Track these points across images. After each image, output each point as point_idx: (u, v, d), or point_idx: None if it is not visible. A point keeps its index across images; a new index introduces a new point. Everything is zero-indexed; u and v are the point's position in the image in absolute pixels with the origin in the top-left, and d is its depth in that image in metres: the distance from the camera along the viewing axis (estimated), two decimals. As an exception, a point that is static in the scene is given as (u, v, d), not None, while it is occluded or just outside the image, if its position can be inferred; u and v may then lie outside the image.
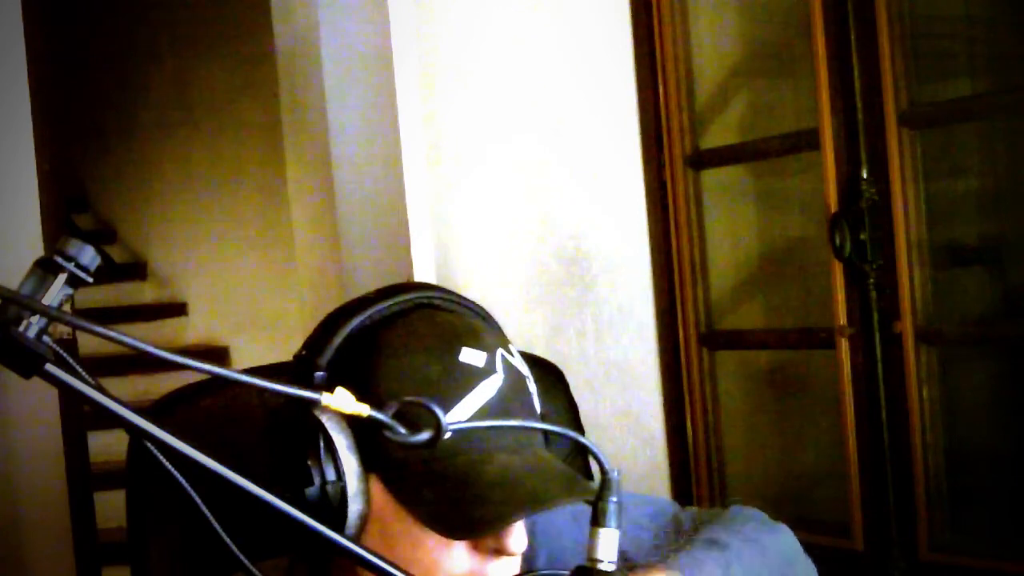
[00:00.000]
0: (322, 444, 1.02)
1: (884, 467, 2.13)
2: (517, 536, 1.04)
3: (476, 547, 1.04)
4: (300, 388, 0.90)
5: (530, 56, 2.73)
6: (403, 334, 1.06)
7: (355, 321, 1.07)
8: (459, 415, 1.02)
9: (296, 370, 1.08)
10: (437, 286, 1.14)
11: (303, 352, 1.09)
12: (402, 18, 2.88)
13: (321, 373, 1.06)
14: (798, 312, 2.49)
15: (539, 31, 2.70)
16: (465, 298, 1.14)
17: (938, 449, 2.10)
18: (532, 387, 1.09)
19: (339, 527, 1.01)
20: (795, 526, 2.33)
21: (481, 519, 1.00)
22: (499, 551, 1.04)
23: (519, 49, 2.75)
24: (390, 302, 1.09)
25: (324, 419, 1.02)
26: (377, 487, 1.03)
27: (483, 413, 1.03)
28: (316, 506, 1.00)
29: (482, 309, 1.14)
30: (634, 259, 2.55)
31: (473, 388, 1.03)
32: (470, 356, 1.05)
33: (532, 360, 1.16)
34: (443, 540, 1.02)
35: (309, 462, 1.01)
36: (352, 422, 1.02)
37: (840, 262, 2.15)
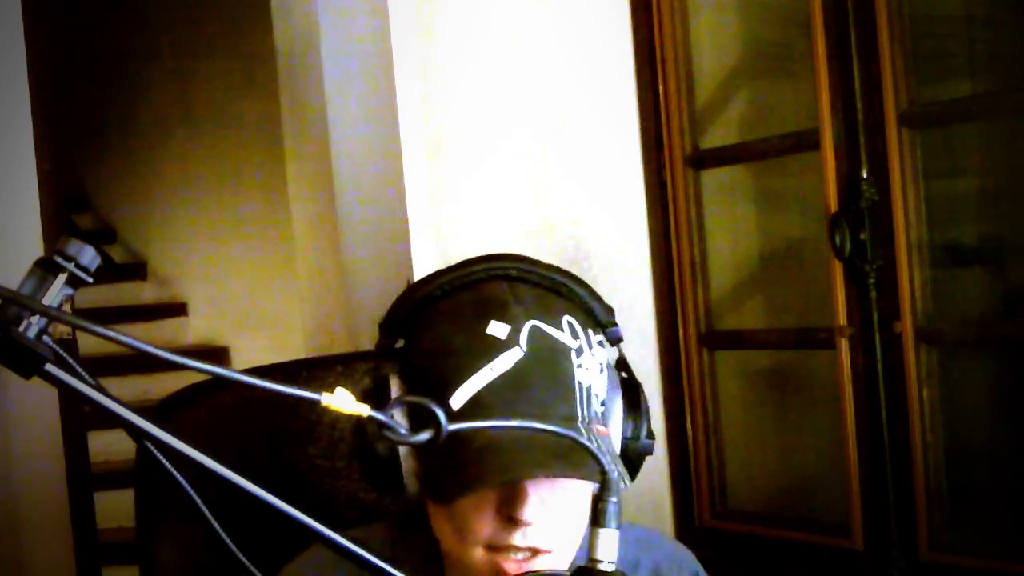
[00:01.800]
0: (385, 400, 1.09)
1: (884, 467, 2.13)
2: (530, 506, 1.07)
3: (498, 513, 1.09)
4: (300, 388, 0.90)
5: (530, 56, 2.72)
6: (448, 304, 1.13)
7: (424, 291, 1.15)
8: (472, 387, 1.07)
9: (379, 342, 1.16)
10: (526, 257, 1.18)
11: (380, 325, 1.17)
12: (402, 18, 2.88)
13: (401, 342, 1.15)
14: (798, 312, 2.49)
15: (539, 31, 2.70)
16: (556, 270, 1.18)
17: (938, 449, 2.10)
18: (578, 360, 1.11)
19: (400, 483, 1.11)
20: (795, 526, 2.33)
21: (456, 486, 1.06)
22: (512, 520, 1.08)
23: (519, 49, 2.75)
24: (464, 272, 1.15)
25: (390, 379, 1.12)
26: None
27: (497, 386, 1.07)
28: (380, 459, 1.10)
29: (571, 279, 1.18)
30: (634, 259, 2.55)
31: (489, 360, 1.07)
32: (494, 328, 1.09)
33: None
34: (471, 503, 1.08)
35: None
36: (408, 383, 1.11)
37: (840, 262, 2.15)
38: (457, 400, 1.07)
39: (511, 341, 1.08)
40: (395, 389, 1.11)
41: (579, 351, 1.11)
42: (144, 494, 1.42)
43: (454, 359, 1.08)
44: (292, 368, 1.57)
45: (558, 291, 1.16)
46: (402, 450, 1.09)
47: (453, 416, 1.03)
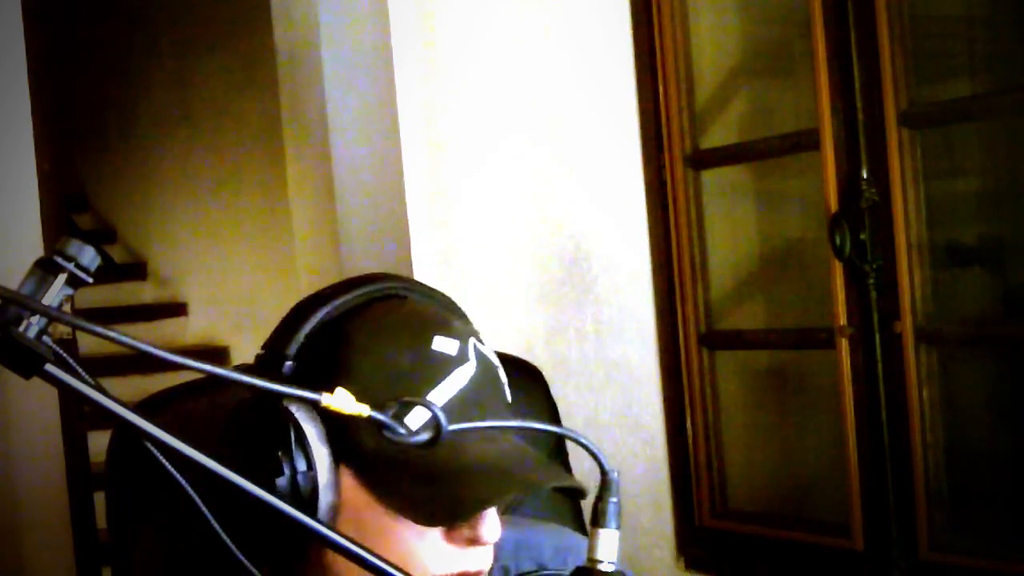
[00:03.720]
0: (293, 435, 1.00)
1: (884, 467, 2.13)
2: (491, 525, 1.02)
3: (450, 537, 1.02)
4: (300, 388, 0.89)
5: (530, 56, 2.73)
6: (371, 325, 1.05)
7: (320, 314, 1.06)
8: (424, 413, 0.97)
9: (260, 367, 1.05)
10: (402, 276, 1.12)
11: (264, 351, 1.07)
12: (402, 18, 2.88)
13: (290, 364, 1.04)
14: (798, 312, 2.49)
15: (539, 31, 2.70)
16: (432, 288, 1.12)
17: (938, 449, 2.10)
18: (504, 377, 1.08)
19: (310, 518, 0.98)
20: (795, 526, 2.33)
21: (461, 504, 0.99)
22: (473, 540, 1.02)
23: (519, 49, 2.75)
24: (355, 293, 1.07)
25: (294, 409, 1.00)
26: (348, 478, 1.01)
27: (456, 402, 1.01)
28: (286, 497, 0.99)
29: (448, 299, 1.12)
30: (634, 259, 2.55)
31: (446, 377, 1.02)
32: (442, 344, 1.03)
33: (508, 360, 1.14)
34: (417, 530, 1.01)
35: (280, 452, 0.99)
36: (321, 413, 1.00)
37: (840, 262, 2.15)
38: (415, 421, 0.97)
39: (462, 356, 1.03)
40: (308, 422, 1.00)
41: (499, 368, 1.08)
42: (117, 494, 1.40)
43: (404, 380, 1.00)
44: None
45: (454, 309, 1.11)
46: (322, 485, 1.00)
47: (441, 440, 0.94)
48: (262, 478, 0.99)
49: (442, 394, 1.01)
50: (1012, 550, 2.03)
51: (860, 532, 2.15)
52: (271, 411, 1.02)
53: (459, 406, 1.01)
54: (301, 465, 0.99)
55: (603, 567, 0.94)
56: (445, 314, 1.08)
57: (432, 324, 1.05)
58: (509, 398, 1.08)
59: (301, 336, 1.05)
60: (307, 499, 1.00)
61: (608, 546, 0.95)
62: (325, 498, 1.01)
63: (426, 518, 1.00)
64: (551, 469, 1.04)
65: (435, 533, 1.02)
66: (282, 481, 0.99)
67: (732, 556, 2.45)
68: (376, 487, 1.01)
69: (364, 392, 0.92)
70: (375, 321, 1.05)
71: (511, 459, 1.02)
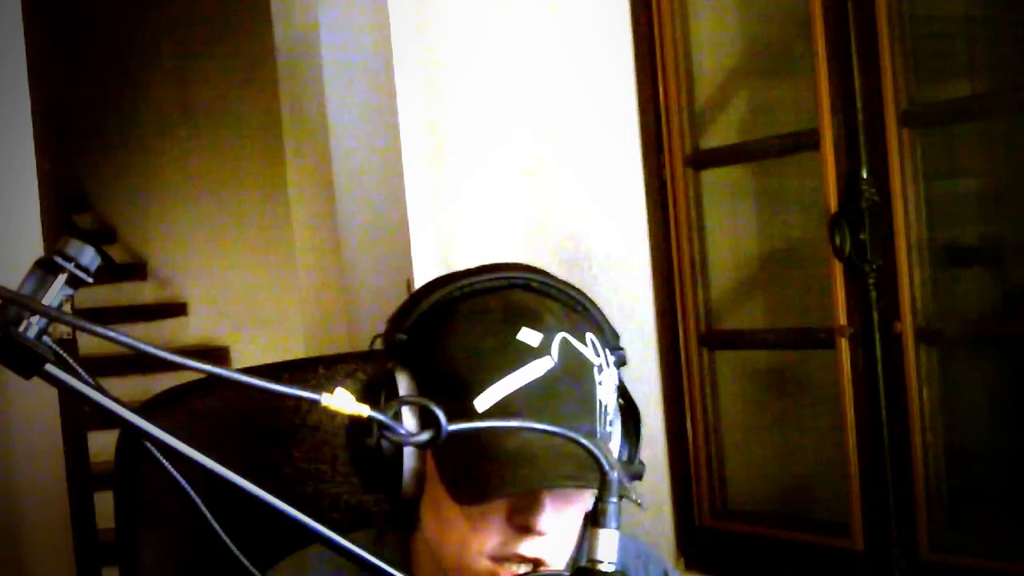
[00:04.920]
0: (383, 398, 1.07)
1: (884, 467, 2.13)
2: (545, 516, 1.06)
3: (508, 522, 1.07)
4: (300, 389, 0.90)
5: (530, 56, 2.72)
6: (475, 308, 1.11)
7: (445, 290, 1.13)
8: (500, 390, 1.05)
9: (379, 339, 1.14)
10: (543, 271, 1.19)
11: (386, 325, 1.15)
12: (402, 18, 2.88)
13: (403, 336, 1.12)
14: (798, 312, 2.49)
15: (539, 31, 2.70)
16: (570, 287, 1.18)
17: (938, 449, 2.10)
18: (600, 376, 1.11)
19: (398, 482, 1.08)
20: (795, 526, 2.33)
21: (485, 488, 1.03)
22: (527, 528, 1.06)
23: (519, 49, 2.75)
24: (484, 277, 1.14)
25: (399, 379, 1.09)
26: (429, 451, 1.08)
27: (525, 392, 1.05)
28: (376, 457, 1.07)
29: (586, 299, 1.18)
30: (634, 259, 2.55)
31: (520, 366, 1.07)
32: (527, 336, 1.08)
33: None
34: (482, 510, 1.06)
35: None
36: (421, 381, 1.09)
37: (840, 262, 2.15)
38: (483, 402, 1.05)
39: (543, 349, 1.08)
40: (403, 387, 1.10)
41: (600, 369, 1.11)
42: (124, 494, 1.41)
43: (482, 361, 1.07)
44: (276, 369, 1.54)
45: (575, 308, 1.17)
46: (406, 450, 1.08)
47: (473, 417, 1.02)
48: (358, 439, 1.08)
49: (513, 382, 1.06)
50: (1012, 550, 2.03)
51: (860, 532, 2.15)
52: (379, 380, 1.10)
53: (529, 395, 1.05)
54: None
55: (603, 567, 0.94)
56: (546, 309, 1.12)
57: (524, 316, 1.10)
58: (604, 398, 1.11)
59: (424, 306, 1.13)
60: (390, 460, 1.08)
61: (608, 547, 0.95)
62: (408, 463, 1.08)
63: (455, 495, 1.06)
64: (591, 471, 1.05)
65: (497, 514, 1.07)
66: (372, 441, 1.07)
67: (732, 556, 2.45)
68: (436, 460, 1.08)
69: (448, 368, 1.04)
70: (479, 305, 1.12)
71: (553, 453, 1.04)
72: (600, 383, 1.11)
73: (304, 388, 0.89)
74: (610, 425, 1.14)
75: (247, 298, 5.67)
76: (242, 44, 5.40)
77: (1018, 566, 1.98)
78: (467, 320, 1.10)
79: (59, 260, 0.84)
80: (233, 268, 5.78)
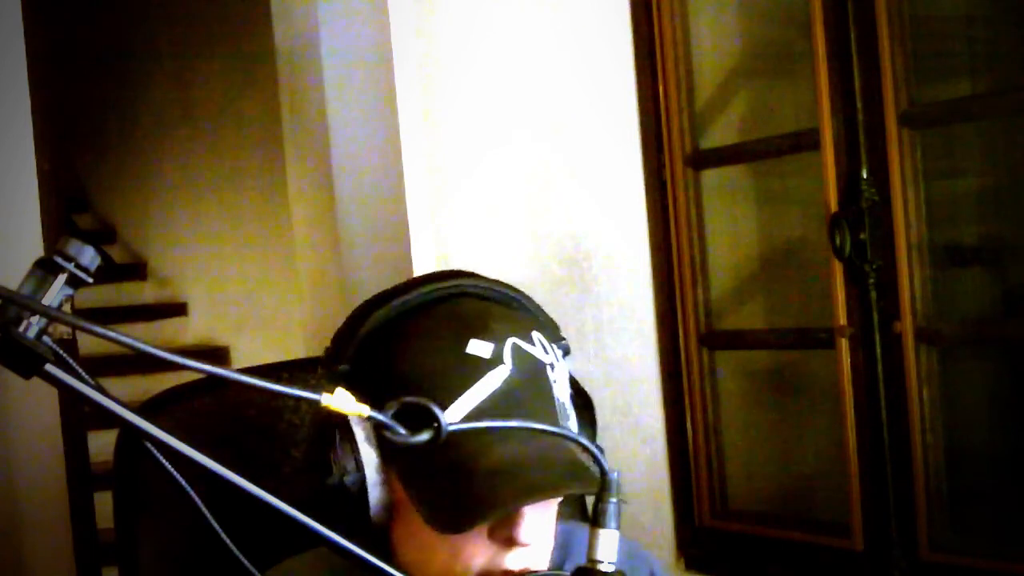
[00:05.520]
0: (338, 437, 1.05)
1: (884, 467, 2.13)
2: (527, 527, 1.05)
3: (491, 537, 1.06)
4: (299, 388, 0.90)
5: (530, 56, 2.72)
6: (419, 327, 1.09)
7: (382, 311, 1.11)
8: (463, 407, 1.03)
9: (323, 363, 1.12)
10: (474, 273, 1.16)
11: (329, 346, 1.12)
12: (402, 18, 2.88)
13: (345, 366, 1.09)
14: (798, 312, 2.49)
15: (539, 31, 2.70)
16: (504, 284, 1.15)
17: (938, 449, 2.10)
18: (554, 375, 1.09)
19: (365, 516, 1.06)
20: (795, 526, 2.32)
21: (472, 512, 1.01)
22: (511, 542, 1.05)
23: (519, 49, 2.75)
24: (419, 292, 1.12)
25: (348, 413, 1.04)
26: (396, 480, 1.06)
27: (488, 404, 1.03)
28: (337, 496, 1.05)
29: (520, 295, 1.16)
30: (634, 259, 2.55)
31: (477, 380, 1.04)
32: (477, 348, 1.06)
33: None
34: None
35: (330, 455, 1.04)
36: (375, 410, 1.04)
37: (840, 262, 2.15)
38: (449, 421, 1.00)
39: (496, 359, 1.05)
40: (358, 424, 1.05)
41: (552, 367, 1.10)
42: (123, 494, 1.41)
43: (438, 381, 1.04)
44: (276, 369, 1.51)
45: (513, 307, 1.14)
46: (371, 481, 1.06)
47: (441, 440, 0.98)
48: (318, 479, 1.06)
49: (474, 396, 1.04)
50: (1012, 550, 2.03)
51: (860, 532, 2.15)
52: (326, 414, 1.05)
53: (493, 407, 1.03)
54: (349, 466, 1.04)
55: (603, 567, 0.94)
56: (490, 315, 1.10)
57: (471, 327, 1.07)
58: (560, 396, 1.10)
59: (363, 332, 1.10)
60: (356, 497, 1.05)
61: (608, 546, 0.95)
62: (374, 495, 1.05)
63: (438, 526, 1.03)
64: (572, 476, 1.04)
65: (478, 533, 1.05)
66: (332, 480, 1.05)
67: (732, 556, 2.45)
68: (410, 490, 1.06)
69: (403, 393, 0.95)
70: (423, 322, 1.09)
71: (535, 464, 1.03)
72: (555, 381, 1.09)
73: (304, 388, 0.89)
74: (568, 420, 1.12)
75: (247, 298, 5.66)
76: (242, 44, 5.40)
77: (1018, 566, 1.98)
78: (413, 340, 1.08)
79: (59, 260, 0.84)
80: (233, 268, 5.77)
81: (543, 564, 1.10)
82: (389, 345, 1.08)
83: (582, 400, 1.17)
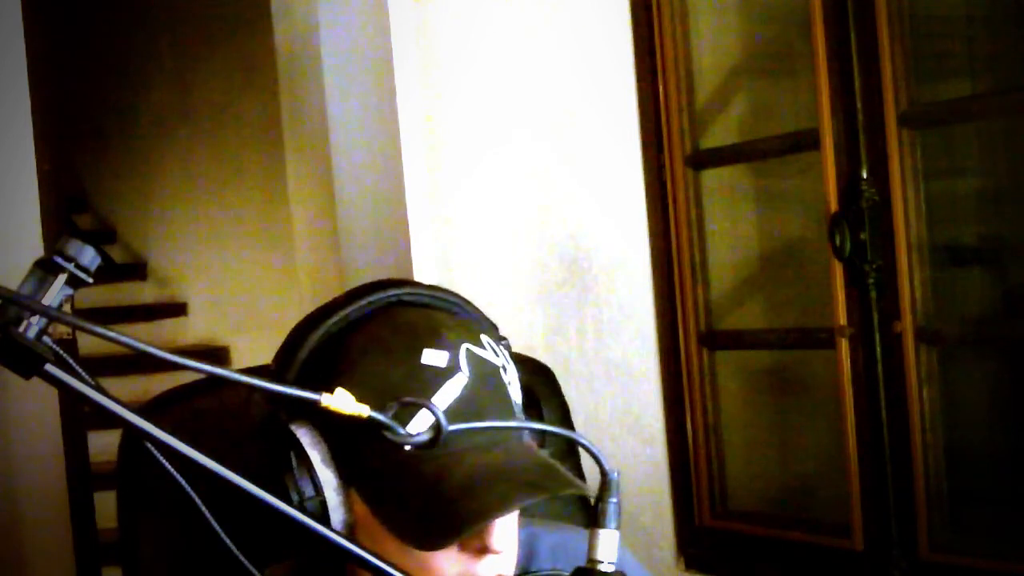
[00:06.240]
0: (295, 460, 1.02)
1: (884, 467, 2.13)
2: (499, 534, 1.03)
3: (462, 547, 1.04)
4: (298, 389, 0.90)
5: (530, 56, 2.72)
6: (364, 341, 1.06)
7: (320, 331, 1.07)
8: (426, 419, 0.98)
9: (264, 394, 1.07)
10: (409, 281, 1.13)
11: (272, 366, 1.09)
12: (402, 18, 2.88)
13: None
14: (798, 312, 2.49)
15: (539, 31, 2.70)
16: (440, 289, 1.13)
17: (938, 449, 2.10)
18: (507, 377, 1.08)
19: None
20: (795, 526, 2.32)
21: (441, 530, 0.99)
22: (483, 549, 1.03)
23: (519, 49, 2.75)
24: (355, 306, 1.08)
25: (299, 434, 1.03)
26: (357, 499, 1.03)
27: (452, 412, 1.00)
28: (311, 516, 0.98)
29: (458, 298, 1.13)
30: (634, 259, 2.55)
31: (437, 390, 1.02)
32: (431, 357, 1.03)
33: (520, 360, 1.15)
34: None
35: (285, 479, 1.01)
36: (328, 435, 1.03)
37: (840, 262, 2.15)
38: (418, 426, 0.98)
39: (453, 367, 1.03)
40: (309, 444, 1.03)
41: (504, 369, 1.08)
42: (126, 494, 1.41)
43: (395, 395, 0.99)
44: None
45: (453, 311, 1.12)
46: (332, 502, 1.03)
47: (404, 454, 0.96)
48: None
49: (437, 406, 1.00)
50: (1012, 550, 2.03)
51: (860, 532, 2.15)
52: (277, 436, 1.04)
53: (458, 416, 1.00)
54: (309, 490, 1.02)
55: (603, 567, 0.95)
56: (439, 321, 1.08)
57: (422, 337, 1.05)
58: (515, 398, 1.08)
59: (303, 354, 1.07)
60: (317, 520, 0.99)
61: (608, 547, 0.95)
62: (336, 517, 1.03)
63: (414, 543, 1.01)
64: (541, 482, 1.03)
65: (452, 544, 1.02)
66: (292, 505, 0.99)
67: (732, 556, 2.45)
68: (376, 509, 1.03)
69: (346, 416, 0.92)
70: (368, 336, 1.06)
71: (504, 474, 1.02)
72: (509, 383, 1.08)
73: (304, 388, 0.89)
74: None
75: (247, 298, 5.66)
76: (242, 44, 5.40)
77: (1018, 566, 1.98)
78: (363, 356, 1.04)
79: (59, 260, 0.84)
80: (233, 268, 5.77)
81: (511, 569, 1.08)
82: (336, 364, 1.05)
83: (528, 398, 1.14)
